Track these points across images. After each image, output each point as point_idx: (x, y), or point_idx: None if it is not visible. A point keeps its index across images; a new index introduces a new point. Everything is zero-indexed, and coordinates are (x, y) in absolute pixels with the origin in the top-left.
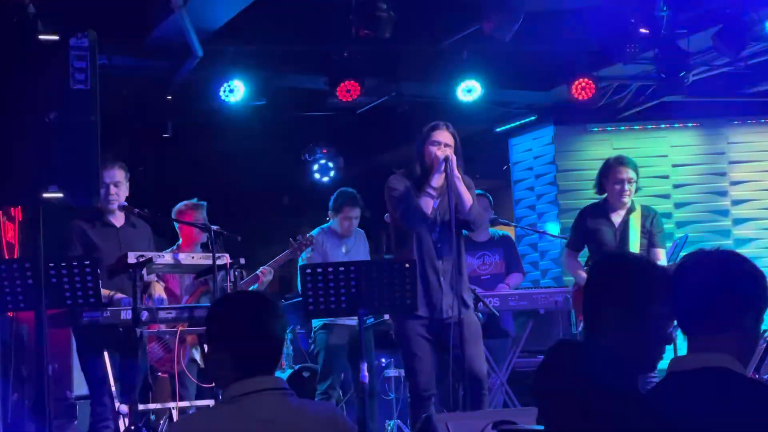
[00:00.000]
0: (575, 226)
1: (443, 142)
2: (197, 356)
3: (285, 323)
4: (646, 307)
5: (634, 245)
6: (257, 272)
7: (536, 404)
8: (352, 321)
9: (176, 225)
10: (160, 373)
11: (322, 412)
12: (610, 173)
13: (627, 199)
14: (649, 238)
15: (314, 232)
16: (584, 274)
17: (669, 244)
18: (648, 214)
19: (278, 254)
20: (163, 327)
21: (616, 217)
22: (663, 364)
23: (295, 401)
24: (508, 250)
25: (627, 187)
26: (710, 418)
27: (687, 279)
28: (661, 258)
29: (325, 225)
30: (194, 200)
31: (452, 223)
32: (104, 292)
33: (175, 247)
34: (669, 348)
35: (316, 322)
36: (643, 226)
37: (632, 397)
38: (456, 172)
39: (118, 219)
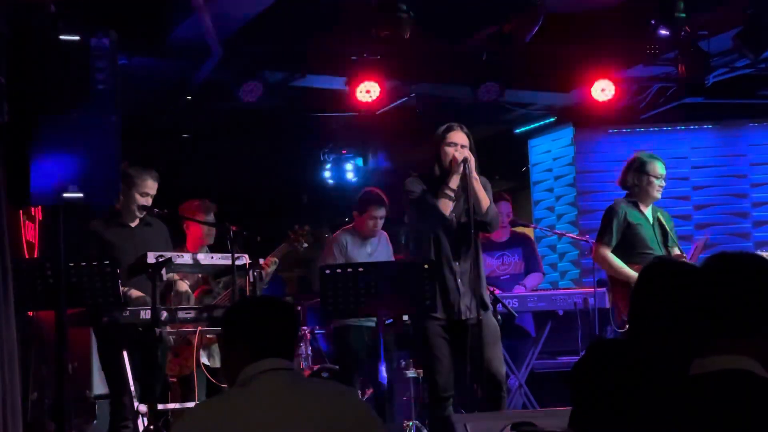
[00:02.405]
0: (614, 221)
1: (459, 144)
2: (206, 360)
3: (294, 314)
4: (695, 315)
5: (674, 243)
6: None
7: (571, 396)
8: (371, 322)
9: (184, 225)
10: (170, 378)
11: (332, 389)
12: (649, 170)
13: (660, 195)
14: (669, 236)
15: (335, 234)
16: (627, 269)
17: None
18: (661, 212)
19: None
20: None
21: (648, 214)
22: None
23: (304, 379)
24: (527, 249)
25: (664, 183)
26: (732, 422)
27: (711, 281)
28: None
29: (348, 226)
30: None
31: (470, 225)
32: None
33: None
34: None
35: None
36: (668, 224)
37: (666, 397)
38: (474, 173)
39: (134, 219)
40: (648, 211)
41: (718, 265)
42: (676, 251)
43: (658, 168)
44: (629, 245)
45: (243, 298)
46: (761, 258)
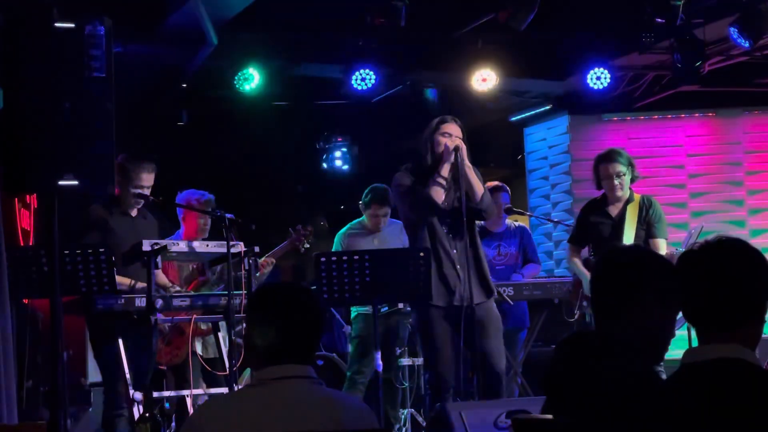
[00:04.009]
0: (577, 221)
1: (453, 134)
2: (199, 348)
3: (318, 315)
4: (651, 297)
5: (629, 237)
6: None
7: (547, 397)
8: (383, 309)
9: (180, 215)
10: (159, 366)
11: (348, 403)
12: (599, 171)
13: (619, 193)
14: (647, 229)
15: (342, 230)
16: (582, 269)
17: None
18: (645, 204)
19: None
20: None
21: (614, 210)
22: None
23: (322, 390)
24: (523, 240)
25: (616, 181)
26: (727, 410)
27: (698, 272)
28: (660, 249)
29: (355, 221)
30: (204, 195)
31: (463, 212)
32: (124, 280)
33: (174, 236)
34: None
35: (353, 311)
36: (639, 216)
37: (650, 386)
38: (466, 161)
39: (133, 208)
40: (617, 208)
41: (701, 255)
42: (657, 244)
43: (609, 168)
44: (591, 243)
45: (266, 287)
46: (744, 244)
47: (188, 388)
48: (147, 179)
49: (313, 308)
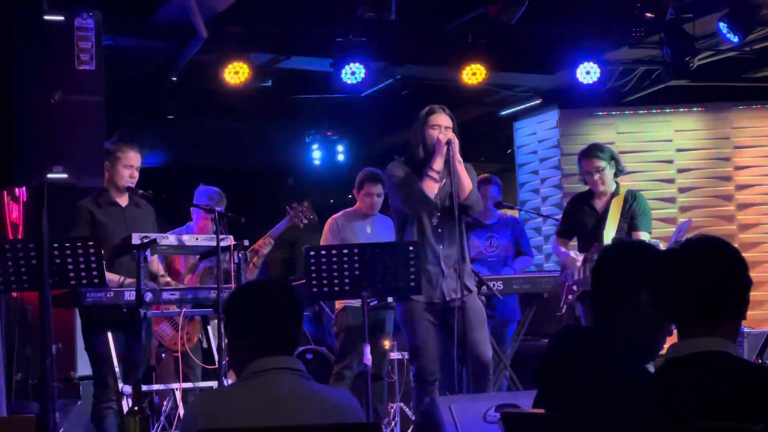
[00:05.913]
0: (564, 213)
1: (442, 125)
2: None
3: (299, 306)
4: (646, 294)
5: (610, 229)
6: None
7: (540, 389)
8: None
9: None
10: (172, 353)
11: (336, 397)
12: (581, 166)
13: (601, 188)
14: (630, 221)
15: (336, 214)
16: (562, 252)
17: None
18: (629, 197)
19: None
20: (171, 308)
21: (599, 203)
22: None
23: (311, 384)
24: (516, 232)
25: (596, 176)
26: (714, 402)
27: (680, 271)
28: None
29: (349, 209)
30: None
31: (455, 207)
32: (113, 277)
33: (185, 228)
34: None
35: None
36: (623, 209)
37: (641, 382)
38: (457, 155)
39: (123, 199)
40: (602, 201)
41: (683, 256)
42: (638, 237)
43: (588, 164)
44: (577, 235)
45: (246, 284)
46: (723, 243)
47: (191, 376)
48: (135, 158)
49: (291, 297)
